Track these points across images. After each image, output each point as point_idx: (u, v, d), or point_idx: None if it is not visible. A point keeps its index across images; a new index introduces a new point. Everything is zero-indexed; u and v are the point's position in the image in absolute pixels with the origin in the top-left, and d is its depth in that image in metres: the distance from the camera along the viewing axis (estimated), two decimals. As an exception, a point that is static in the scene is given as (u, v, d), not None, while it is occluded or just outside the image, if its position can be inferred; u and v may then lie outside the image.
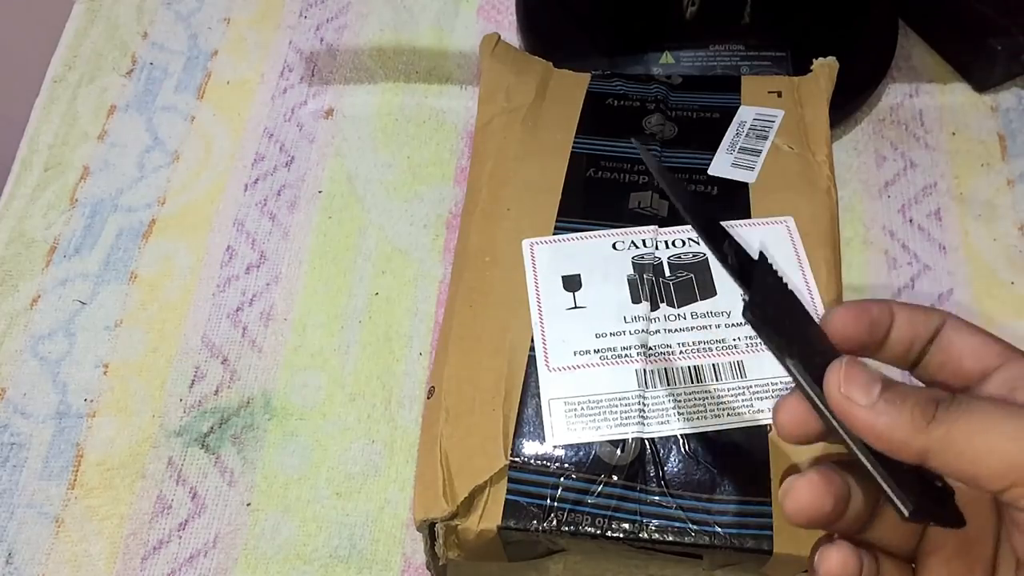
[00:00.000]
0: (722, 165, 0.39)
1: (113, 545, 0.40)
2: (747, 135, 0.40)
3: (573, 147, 0.40)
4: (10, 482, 0.42)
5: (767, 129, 0.41)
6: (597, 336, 0.34)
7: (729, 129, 0.41)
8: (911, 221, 0.46)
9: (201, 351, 0.45)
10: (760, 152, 0.40)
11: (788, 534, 0.30)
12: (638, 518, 0.31)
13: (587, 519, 0.31)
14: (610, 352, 0.34)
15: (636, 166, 0.39)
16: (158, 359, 0.45)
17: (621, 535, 0.31)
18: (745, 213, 0.38)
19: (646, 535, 0.31)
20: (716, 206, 0.38)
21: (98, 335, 0.45)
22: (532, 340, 0.34)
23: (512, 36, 0.53)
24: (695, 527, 0.31)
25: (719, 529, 0.31)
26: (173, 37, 0.56)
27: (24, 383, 0.44)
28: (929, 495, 0.24)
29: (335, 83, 0.53)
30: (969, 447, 0.22)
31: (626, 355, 0.34)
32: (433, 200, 0.48)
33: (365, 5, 0.56)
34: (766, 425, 0.32)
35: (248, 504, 0.41)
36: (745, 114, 0.42)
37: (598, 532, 0.31)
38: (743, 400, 0.33)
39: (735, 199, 0.38)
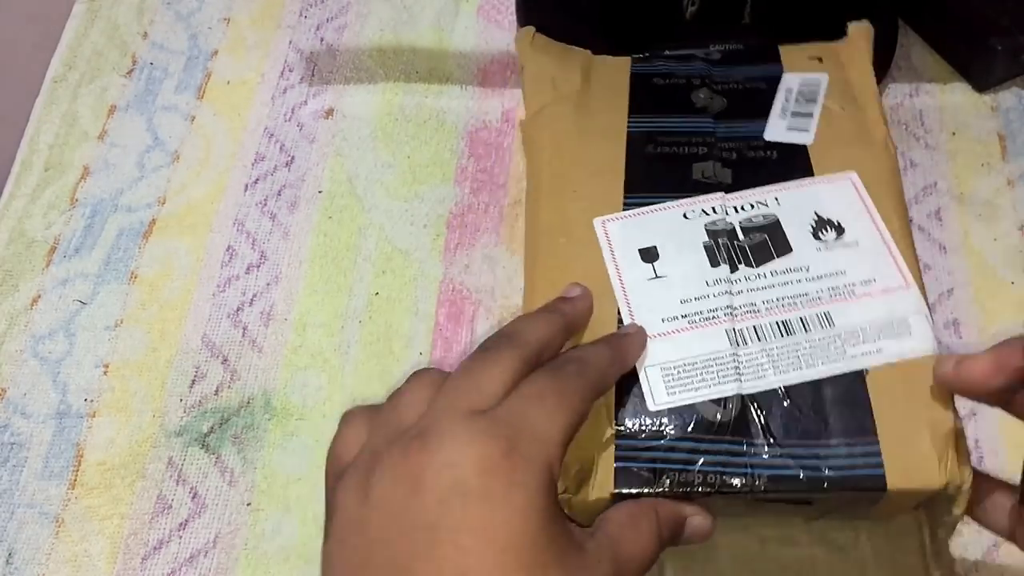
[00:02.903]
0: (777, 130, 0.40)
1: (113, 545, 0.40)
2: (796, 100, 0.41)
3: (629, 127, 0.41)
4: (10, 482, 0.42)
5: (815, 93, 0.41)
6: (682, 302, 0.35)
7: (777, 96, 0.42)
8: (911, 221, 0.46)
9: (201, 351, 0.45)
10: (812, 115, 0.40)
11: (899, 470, 0.31)
12: (749, 471, 0.31)
13: (699, 477, 0.31)
14: (698, 316, 0.35)
15: (693, 138, 0.40)
16: (158, 359, 0.45)
17: (734, 490, 0.31)
18: (808, 172, 0.39)
19: (760, 486, 0.31)
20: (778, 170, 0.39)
21: (98, 335, 0.45)
22: (619, 312, 0.35)
23: (512, 36, 0.53)
24: (806, 473, 0.31)
25: (831, 473, 0.31)
26: (173, 37, 0.56)
27: (24, 383, 0.44)
28: None
29: (335, 83, 0.53)
30: None
31: (713, 317, 0.34)
32: (433, 200, 0.48)
33: (365, 5, 0.56)
34: (861, 370, 0.33)
35: (248, 504, 0.41)
36: (790, 81, 0.42)
37: (711, 490, 0.31)
38: (835, 348, 0.33)
39: (796, 161, 0.39)
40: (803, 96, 0.41)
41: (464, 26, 0.55)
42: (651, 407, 0.33)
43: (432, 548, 0.24)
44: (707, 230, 0.37)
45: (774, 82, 0.42)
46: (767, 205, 0.38)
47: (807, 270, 0.35)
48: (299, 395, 0.43)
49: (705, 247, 0.36)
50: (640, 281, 0.36)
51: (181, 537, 0.40)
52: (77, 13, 0.57)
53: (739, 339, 0.34)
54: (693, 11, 0.47)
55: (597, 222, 0.38)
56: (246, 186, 0.50)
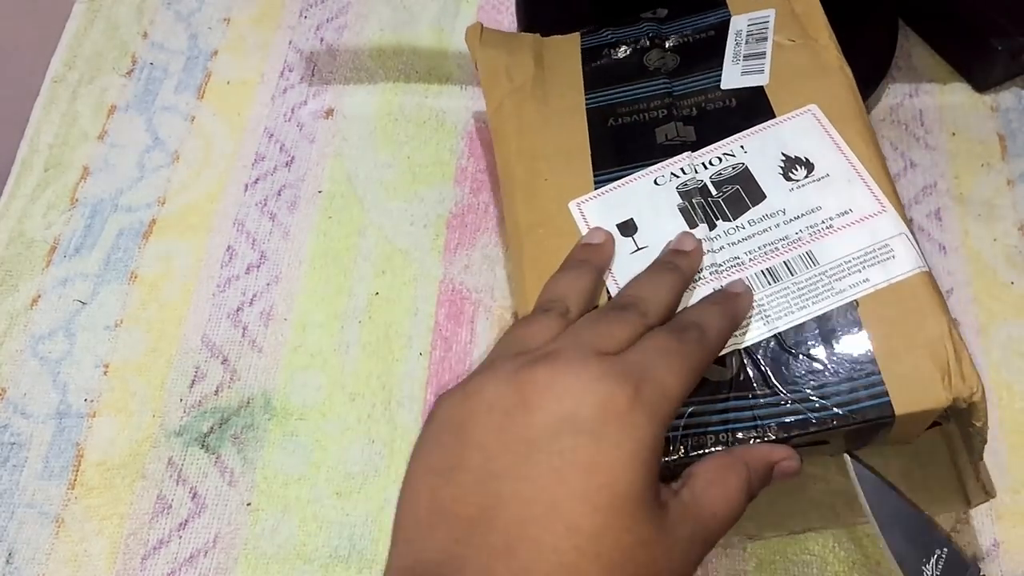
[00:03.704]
0: (732, 77, 0.40)
1: (113, 545, 0.40)
2: (747, 42, 0.41)
3: (587, 104, 0.41)
4: (10, 482, 0.42)
5: (763, 31, 0.41)
6: None
7: (728, 42, 0.42)
8: (911, 221, 0.46)
9: (201, 351, 0.45)
10: (764, 54, 0.40)
11: (905, 395, 0.31)
12: (759, 423, 0.32)
13: (711, 438, 0.32)
14: None
15: (652, 103, 0.40)
16: (158, 359, 0.45)
17: (748, 444, 0.31)
18: (769, 114, 0.38)
19: (772, 436, 0.31)
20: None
21: (98, 335, 0.45)
22: (608, 292, 0.35)
23: (512, 36, 0.53)
24: (815, 415, 0.31)
25: (838, 410, 0.31)
26: (173, 37, 0.56)
27: (24, 383, 0.44)
28: None
29: (335, 83, 0.53)
30: None
31: (700, 279, 0.34)
32: (433, 200, 0.48)
33: (365, 5, 0.56)
34: (852, 301, 0.33)
35: (248, 504, 0.41)
36: (738, 23, 0.42)
37: (725, 447, 0.31)
38: (823, 285, 0.34)
39: (755, 104, 0.39)
40: (752, 37, 0.41)
41: (464, 26, 0.55)
42: None
43: (529, 467, 0.24)
44: (679, 192, 0.37)
45: (723, 28, 0.42)
46: (734, 155, 0.37)
47: (784, 213, 0.35)
48: (299, 395, 0.43)
49: (680, 210, 0.36)
50: (623, 256, 0.36)
51: (181, 537, 0.40)
52: (77, 13, 0.57)
53: None
54: None
55: (572, 205, 0.38)
56: (246, 186, 0.50)
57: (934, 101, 0.50)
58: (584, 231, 0.37)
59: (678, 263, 0.34)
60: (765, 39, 0.41)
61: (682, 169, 0.37)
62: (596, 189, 0.38)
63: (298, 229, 0.48)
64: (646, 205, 0.37)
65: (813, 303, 0.33)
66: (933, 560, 0.27)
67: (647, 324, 0.30)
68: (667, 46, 0.42)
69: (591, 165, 0.39)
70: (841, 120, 0.37)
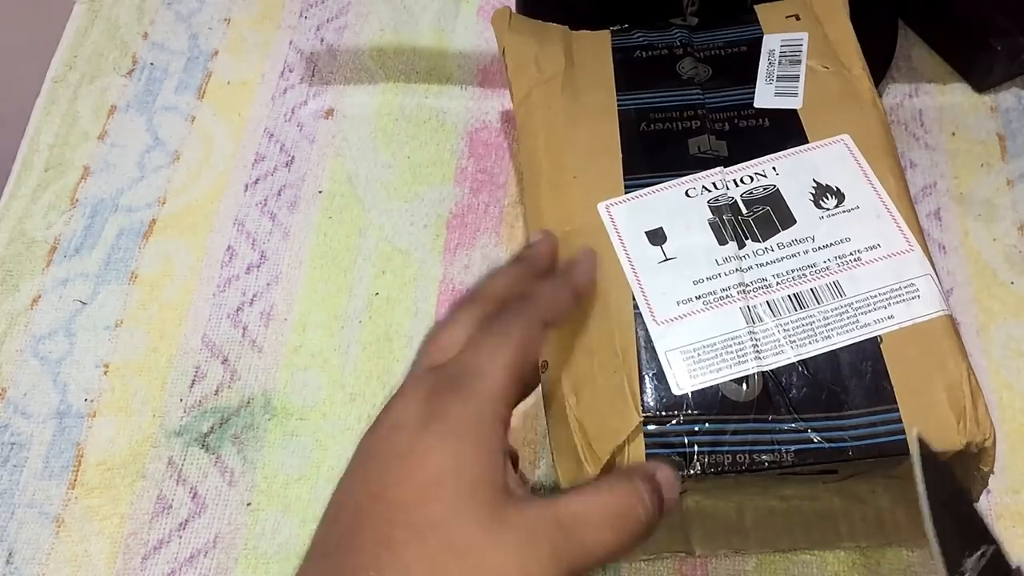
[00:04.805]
0: (766, 96, 0.40)
1: (113, 545, 0.40)
2: (780, 63, 0.41)
3: (618, 105, 0.41)
4: (10, 482, 0.42)
5: (797, 53, 0.41)
6: (695, 283, 0.35)
7: (761, 60, 0.42)
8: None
9: (201, 351, 0.45)
10: (798, 77, 0.41)
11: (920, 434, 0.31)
12: (776, 447, 0.32)
13: (727, 458, 0.32)
14: (711, 296, 0.35)
15: (685, 112, 0.40)
16: (158, 359, 0.45)
17: (763, 467, 0.32)
18: (801, 138, 0.38)
19: (787, 461, 0.32)
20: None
21: (98, 335, 0.45)
22: (633, 298, 0.35)
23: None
24: (831, 445, 0.32)
25: (853, 442, 0.32)
26: (173, 37, 0.56)
27: (24, 383, 0.44)
28: None
29: (335, 83, 0.53)
30: None
31: (727, 296, 0.34)
32: (433, 200, 0.48)
33: (365, 5, 0.56)
34: (876, 337, 0.33)
35: (248, 504, 0.41)
36: (771, 42, 0.42)
37: (741, 468, 0.32)
38: (848, 317, 0.34)
39: (788, 126, 0.39)
40: (786, 58, 0.41)
41: (464, 26, 0.55)
42: (675, 392, 0.33)
43: (402, 473, 0.26)
44: (710, 207, 0.37)
45: (755, 45, 0.42)
46: (766, 176, 0.37)
47: (812, 240, 0.36)
48: (299, 395, 0.43)
49: (711, 224, 0.36)
50: (651, 265, 0.36)
51: (181, 537, 0.40)
52: (77, 13, 0.57)
53: (754, 316, 0.34)
54: (693, 10, 0.47)
55: (601, 207, 0.37)
56: (246, 186, 0.50)
57: (934, 101, 0.50)
58: (612, 235, 0.36)
59: (522, 254, 0.35)
60: (799, 62, 0.41)
61: (714, 184, 0.37)
62: (626, 193, 0.38)
63: (298, 229, 0.48)
64: (676, 215, 0.37)
65: (838, 334, 0.33)
66: (977, 555, 0.26)
67: (480, 314, 0.30)
68: (699, 55, 0.42)
69: (622, 168, 0.38)
70: (872, 154, 0.37)
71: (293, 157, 0.50)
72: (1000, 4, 0.48)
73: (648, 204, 0.37)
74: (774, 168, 0.38)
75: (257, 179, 0.50)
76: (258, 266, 0.47)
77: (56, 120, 0.53)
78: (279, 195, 0.49)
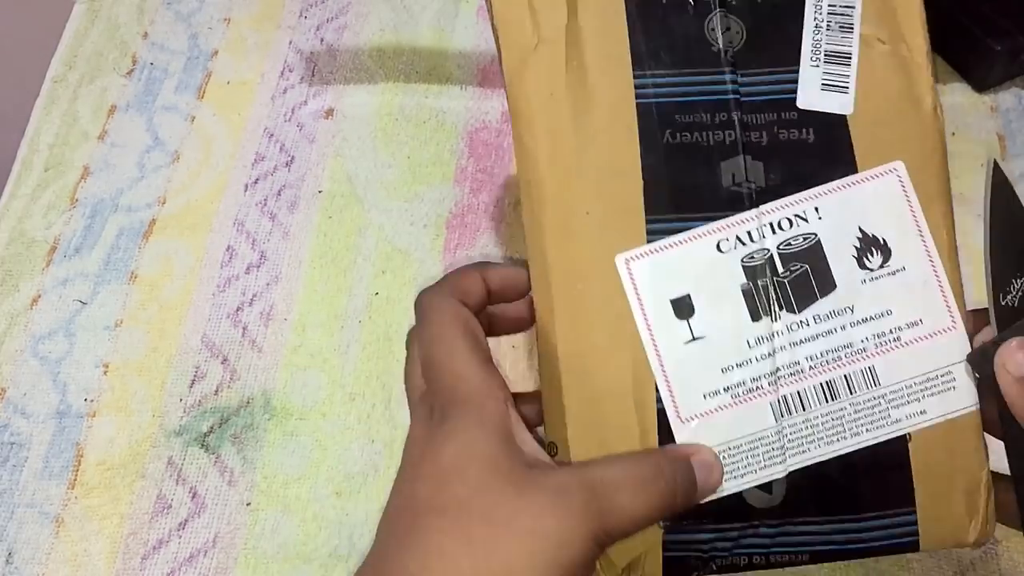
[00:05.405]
0: (811, 88, 0.33)
1: (113, 545, 0.40)
2: (828, 27, 0.34)
3: (637, 94, 0.33)
4: (10, 482, 0.42)
5: (849, 15, 0.34)
6: (723, 371, 0.31)
7: (805, 19, 0.33)
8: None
9: (201, 351, 0.45)
10: (850, 57, 0.33)
11: (932, 535, 0.31)
12: (794, 549, 0.31)
13: (744, 559, 0.31)
14: (740, 388, 0.31)
15: (717, 114, 0.33)
16: (158, 359, 0.45)
17: (780, 567, 0.31)
18: (849, 163, 0.32)
19: (804, 560, 0.31)
20: (819, 165, 0.32)
21: (98, 335, 0.45)
22: (656, 389, 0.31)
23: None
24: (849, 547, 0.31)
25: (868, 544, 0.31)
26: (173, 37, 0.56)
27: (24, 383, 0.44)
28: None
29: (335, 83, 0.53)
30: None
31: (757, 388, 0.31)
32: (433, 200, 0.48)
33: (365, 5, 0.56)
34: (905, 435, 0.31)
35: (248, 504, 0.41)
36: None
37: (757, 567, 0.31)
38: (879, 411, 0.31)
39: (835, 144, 0.32)
40: (835, 21, 0.34)
41: (464, 26, 0.55)
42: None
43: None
44: (744, 267, 0.31)
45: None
46: (807, 220, 0.32)
47: (851, 311, 0.31)
48: (299, 395, 0.43)
49: (744, 293, 0.31)
50: (676, 345, 0.31)
51: (181, 537, 0.40)
52: (77, 13, 0.57)
53: (783, 410, 0.31)
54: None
55: (620, 261, 0.32)
56: (246, 186, 0.50)
57: (934, 101, 0.50)
58: (633, 301, 0.31)
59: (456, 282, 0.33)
60: (851, 29, 0.33)
61: (749, 234, 0.32)
62: (649, 243, 0.31)
63: (298, 229, 0.48)
64: (706, 279, 0.31)
65: (867, 431, 0.31)
66: None
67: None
68: (732, 3, 0.34)
69: (643, 201, 0.32)
70: (927, 194, 0.32)
71: (293, 157, 0.50)
72: (1000, 4, 0.48)
73: (674, 261, 0.31)
74: (816, 209, 0.32)
75: (257, 179, 0.50)
76: (258, 266, 0.47)
77: (56, 120, 0.53)
78: (279, 195, 0.49)
